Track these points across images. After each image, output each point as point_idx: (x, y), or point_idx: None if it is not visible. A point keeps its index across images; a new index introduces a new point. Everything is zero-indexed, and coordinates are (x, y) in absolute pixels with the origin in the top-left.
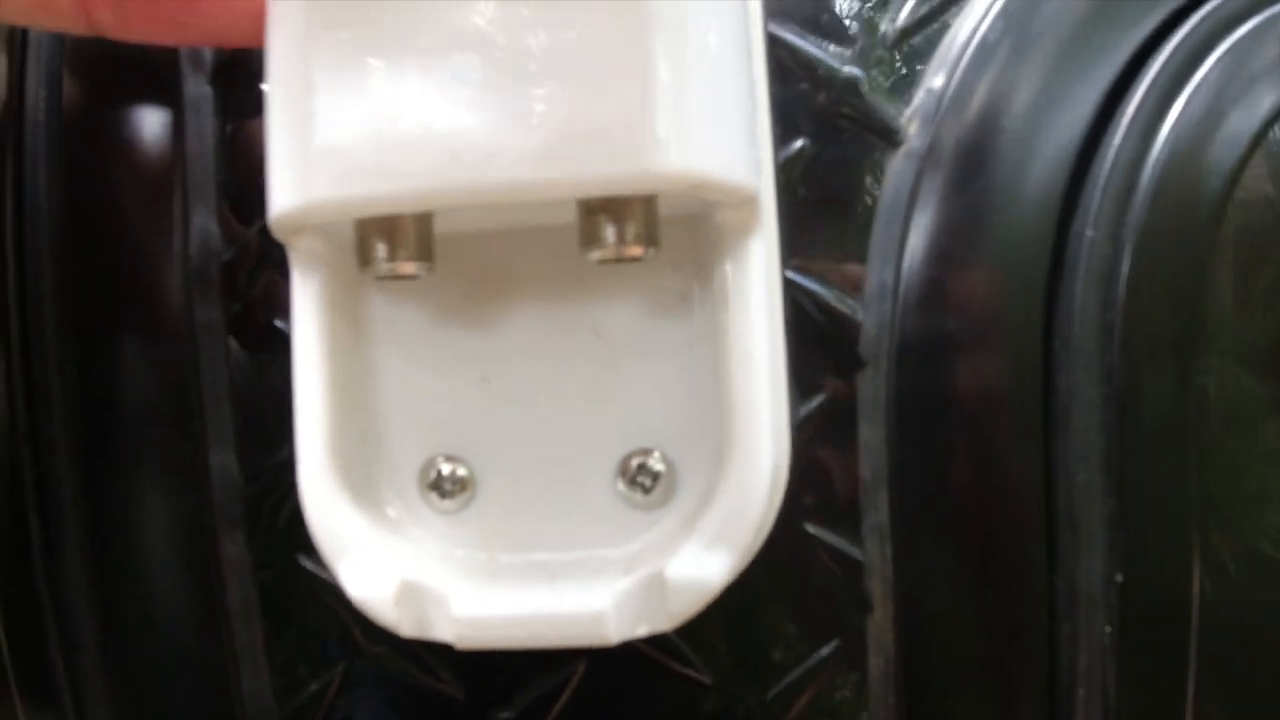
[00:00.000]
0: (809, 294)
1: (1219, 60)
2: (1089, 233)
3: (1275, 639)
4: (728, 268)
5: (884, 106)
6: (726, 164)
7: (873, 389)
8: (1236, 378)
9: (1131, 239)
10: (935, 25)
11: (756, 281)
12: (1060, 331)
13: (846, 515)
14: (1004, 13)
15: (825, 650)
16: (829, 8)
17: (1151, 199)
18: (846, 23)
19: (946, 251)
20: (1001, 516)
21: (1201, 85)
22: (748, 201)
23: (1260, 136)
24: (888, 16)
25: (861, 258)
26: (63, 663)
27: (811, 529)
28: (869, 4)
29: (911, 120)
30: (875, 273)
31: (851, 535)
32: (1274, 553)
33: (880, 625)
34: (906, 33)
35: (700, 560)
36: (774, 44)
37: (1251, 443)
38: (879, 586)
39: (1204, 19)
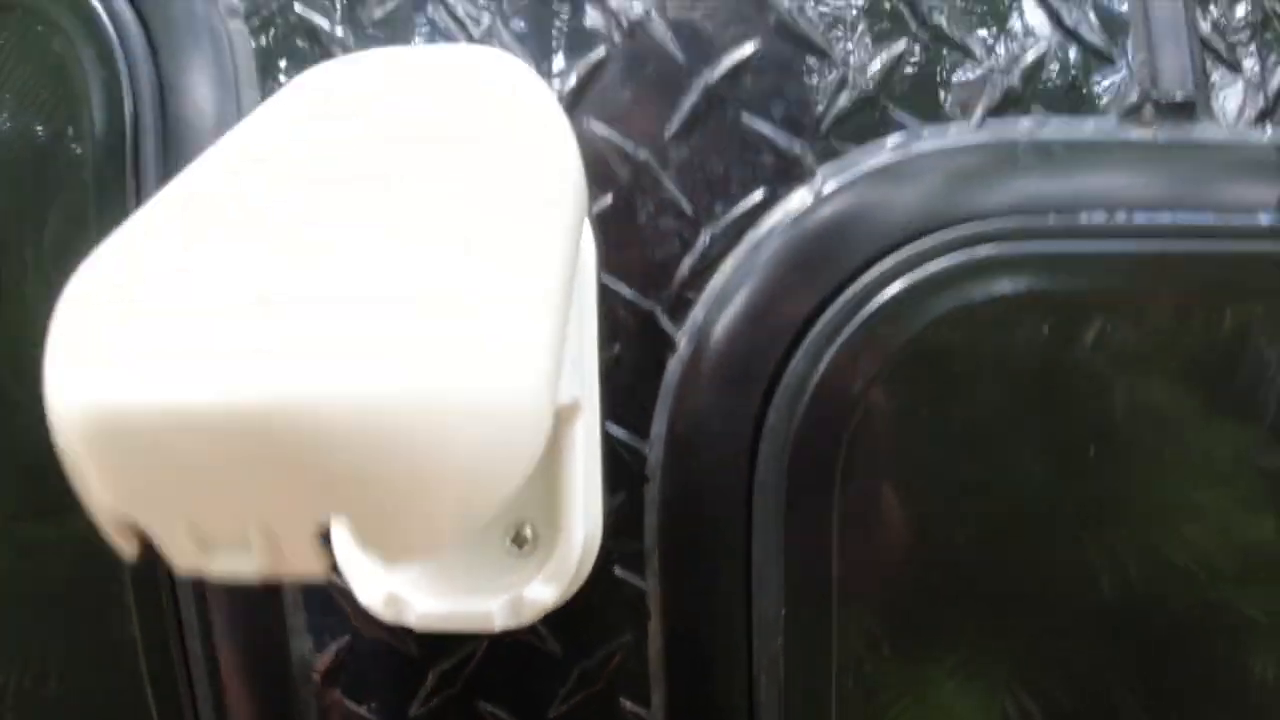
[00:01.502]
0: (617, 439)
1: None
2: (771, 417)
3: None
4: (562, 439)
5: (669, 327)
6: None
7: (652, 493)
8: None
9: (799, 418)
10: (709, 271)
11: (581, 441)
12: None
13: (636, 562)
14: (737, 269)
15: (625, 637)
16: (649, 259)
17: (813, 393)
18: (651, 274)
19: (691, 419)
20: (716, 574)
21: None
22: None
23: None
24: (681, 268)
25: (649, 419)
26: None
27: (618, 571)
28: (672, 252)
29: (681, 338)
30: (656, 426)
31: (639, 575)
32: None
33: (655, 627)
34: (685, 283)
35: (541, 590)
36: (609, 294)
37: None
38: (654, 604)
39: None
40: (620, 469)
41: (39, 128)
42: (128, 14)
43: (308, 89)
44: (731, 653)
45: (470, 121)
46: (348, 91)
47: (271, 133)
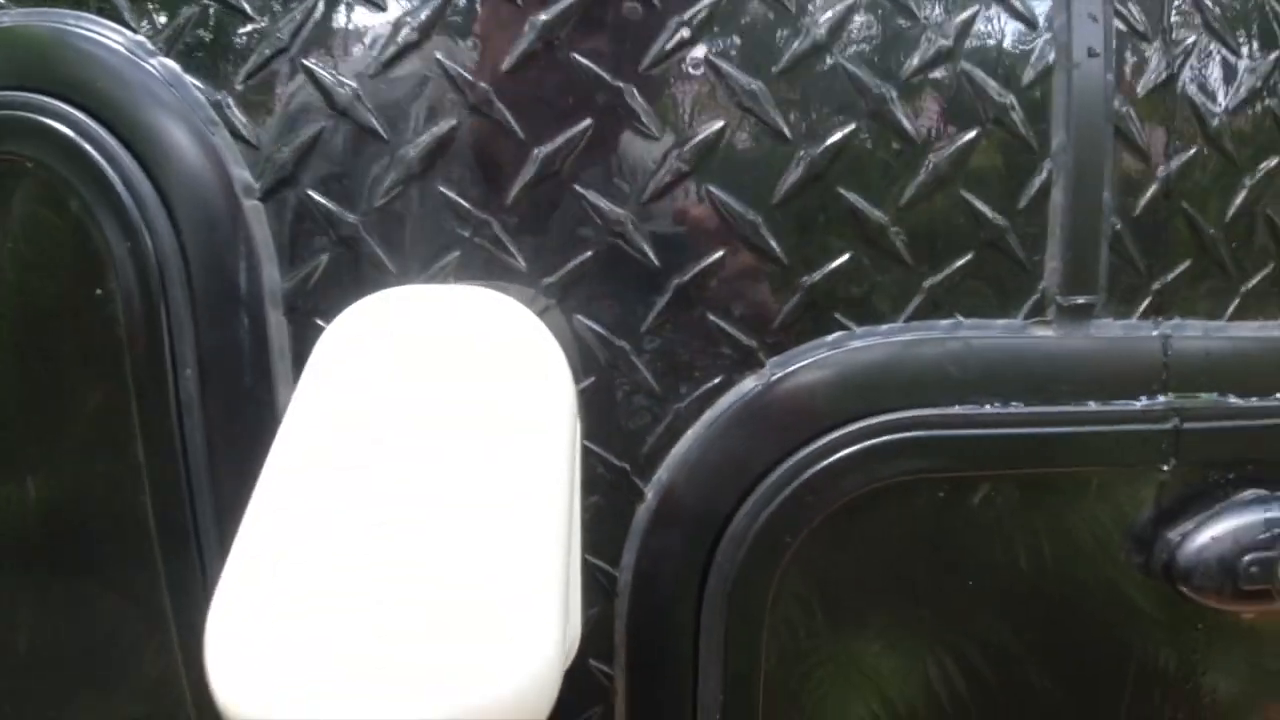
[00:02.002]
0: (595, 565)
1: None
2: (718, 557)
3: None
4: None
5: (639, 483)
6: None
7: (620, 607)
8: None
9: (740, 560)
10: (673, 440)
11: (571, 569)
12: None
13: (606, 656)
14: (696, 439)
15: (597, 708)
16: (624, 429)
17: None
18: (625, 440)
19: (653, 555)
20: (669, 669)
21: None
22: None
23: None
24: (650, 437)
25: (620, 552)
26: None
27: (591, 661)
28: (643, 424)
29: (649, 491)
30: (626, 558)
31: (609, 665)
32: None
33: (620, 704)
34: (653, 449)
35: None
36: (591, 454)
37: None
38: (620, 687)
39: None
40: (596, 588)
41: (66, 283)
42: (148, 189)
43: (351, 355)
44: (679, 709)
45: (483, 378)
46: (386, 359)
47: (335, 419)
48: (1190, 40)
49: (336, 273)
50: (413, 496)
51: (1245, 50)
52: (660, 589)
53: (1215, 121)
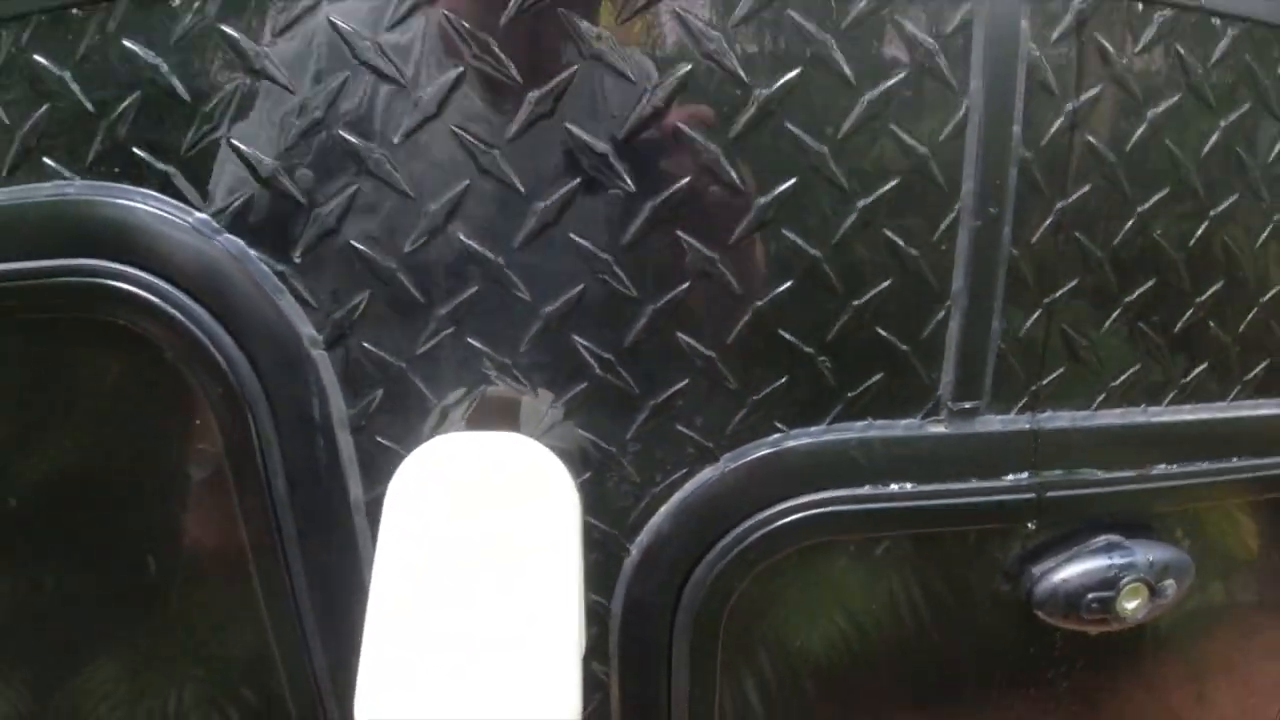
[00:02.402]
0: (594, 600)
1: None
2: (685, 597)
3: None
4: None
5: (626, 544)
6: None
7: (613, 629)
8: None
9: (700, 600)
10: (650, 513)
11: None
12: (677, 613)
13: (604, 660)
14: (668, 512)
15: (596, 698)
16: (613, 507)
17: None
18: (615, 515)
19: (636, 594)
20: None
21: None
22: None
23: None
24: (634, 512)
25: (613, 592)
26: None
27: (594, 665)
28: (627, 504)
29: (633, 549)
30: (616, 595)
31: (606, 667)
32: None
33: (614, 695)
34: (635, 521)
35: None
36: (590, 526)
37: None
38: (614, 684)
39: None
40: (595, 615)
41: (170, 418)
42: (230, 344)
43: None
44: (657, 711)
45: (512, 499)
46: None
47: (416, 545)
48: None
49: (389, 402)
50: (470, 576)
51: None
52: (642, 617)
53: (1097, 255)
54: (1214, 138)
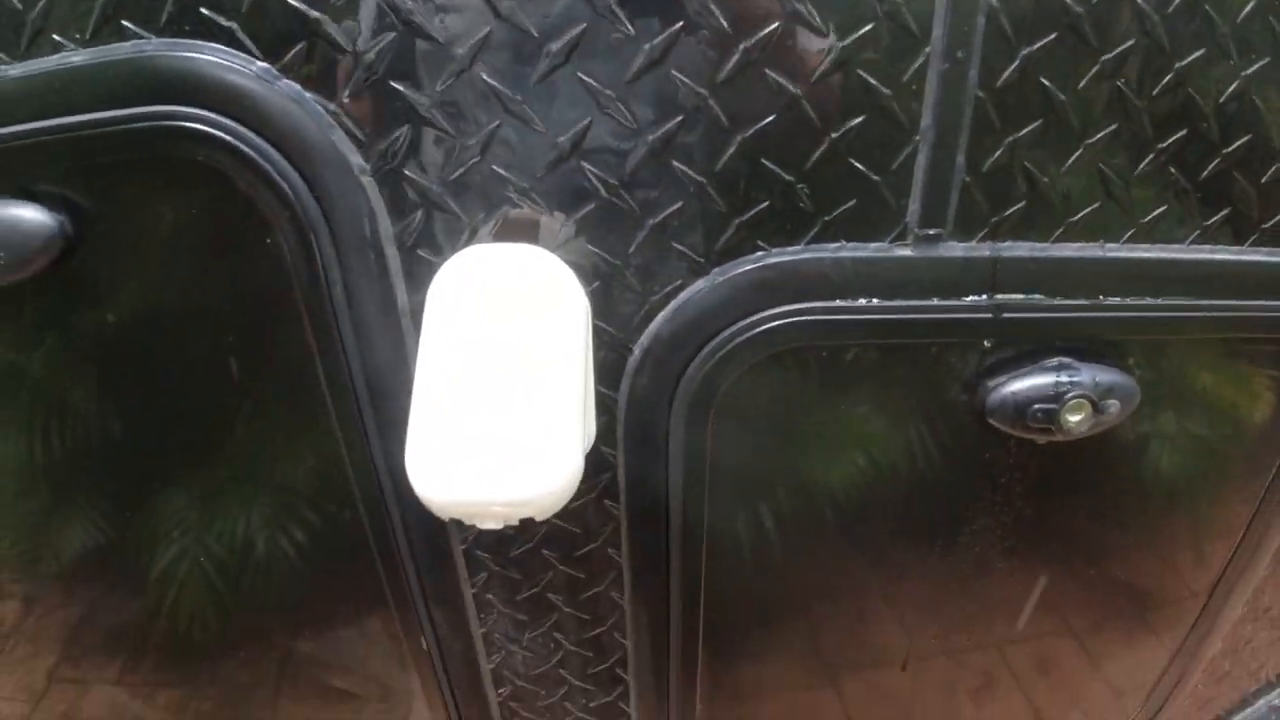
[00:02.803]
0: (603, 392)
1: None
2: (680, 388)
3: None
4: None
5: (629, 345)
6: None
7: (619, 415)
8: None
9: (692, 393)
10: (650, 318)
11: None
12: (674, 401)
13: (611, 443)
14: (665, 319)
15: (605, 476)
16: (619, 313)
17: (699, 381)
18: (620, 320)
19: (639, 386)
20: (654, 454)
21: None
22: None
23: None
24: (636, 317)
25: (619, 383)
26: None
27: (602, 448)
28: (630, 310)
29: (636, 350)
30: (623, 387)
31: (614, 450)
32: None
33: (620, 475)
34: (638, 323)
35: None
36: (600, 331)
37: None
38: (620, 463)
39: None
40: (604, 404)
41: (244, 236)
42: (294, 174)
43: (451, 301)
44: (655, 487)
45: (531, 305)
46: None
47: (451, 346)
48: None
49: (428, 222)
50: (496, 370)
51: None
52: (642, 408)
53: (1061, 98)
54: None
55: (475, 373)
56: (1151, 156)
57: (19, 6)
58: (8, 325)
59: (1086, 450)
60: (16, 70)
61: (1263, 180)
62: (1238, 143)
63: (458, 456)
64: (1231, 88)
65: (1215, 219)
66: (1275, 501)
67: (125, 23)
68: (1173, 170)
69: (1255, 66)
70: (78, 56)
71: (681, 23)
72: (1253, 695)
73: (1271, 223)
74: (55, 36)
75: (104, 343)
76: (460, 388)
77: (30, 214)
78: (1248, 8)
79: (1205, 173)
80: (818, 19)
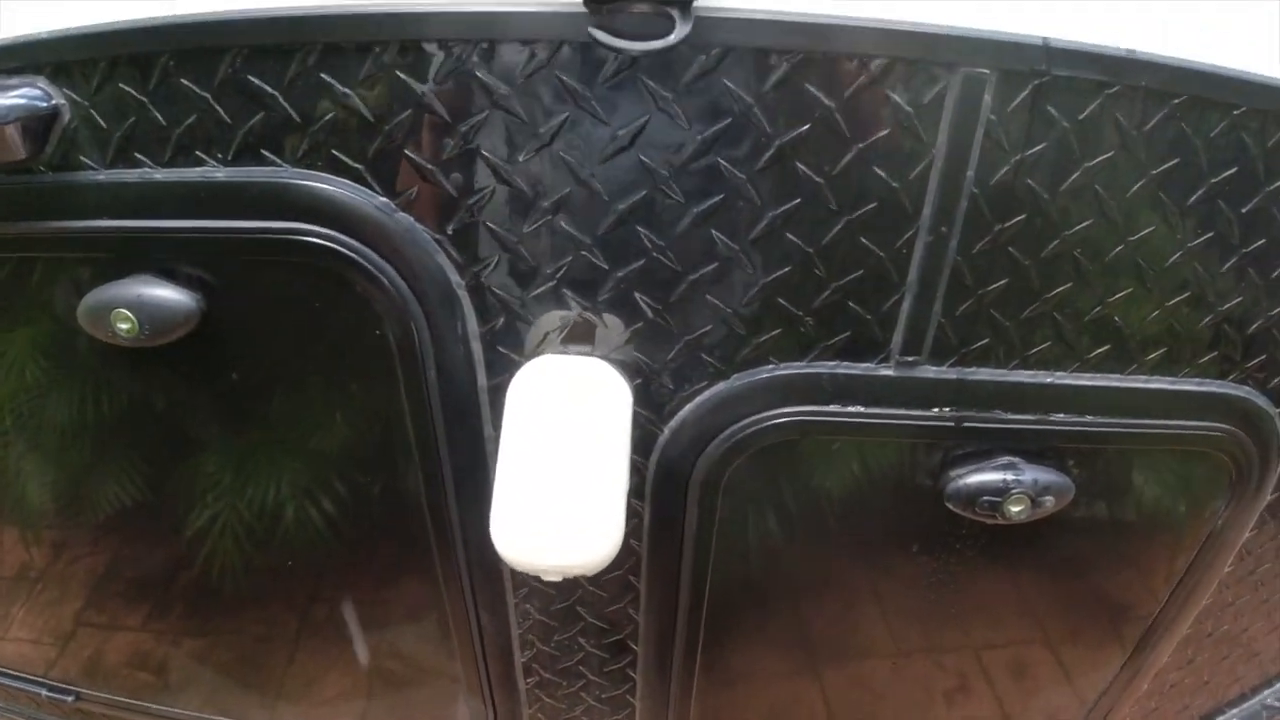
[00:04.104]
0: (635, 461)
1: None
2: (699, 467)
3: None
4: None
5: (659, 427)
6: None
7: (648, 485)
8: None
9: (706, 471)
10: (678, 409)
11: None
12: (692, 476)
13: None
14: (690, 410)
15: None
16: (651, 402)
17: (713, 463)
18: (651, 408)
19: (666, 461)
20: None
21: None
22: None
23: None
24: (666, 409)
25: (649, 455)
26: None
27: (633, 500)
28: (660, 402)
29: (665, 430)
30: (652, 459)
31: (641, 502)
32: None
33: (645, 527)
34: (666, 413)
35: None
36: (638, 415)
37: None
38: (647, 520)
39: None
40: (637, 469)
41: (358, 333)
42: (404, 287)
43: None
44: (674, 535)
45: (589, 400)
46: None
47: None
48: None
49: (507, 325)
50: (561, 452)
51: None
52: (668, 475)
53: (1025, 264)
54: (1136, 187)
55: (546, 456)
56: (1099, 309)
57: (163, 123)
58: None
59: (1029, 528)
60: (160, 175)
61: (1198, 326)
62: (1177, 298)
63: (532, 530)
64: (1173, 258)
65: (1153, 356)
66: (1198, 572)
67: (264, 151)
68: (1116, 319)
69: (1198, 240)
70: (220, 174)
71: (723, 195)
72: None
73: (1204, 359)
74: (198, 153)
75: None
76: (533, 469)
77: (172, 294)
78: (1199, 193)
79: (1146, 320)
80: (831, 199)
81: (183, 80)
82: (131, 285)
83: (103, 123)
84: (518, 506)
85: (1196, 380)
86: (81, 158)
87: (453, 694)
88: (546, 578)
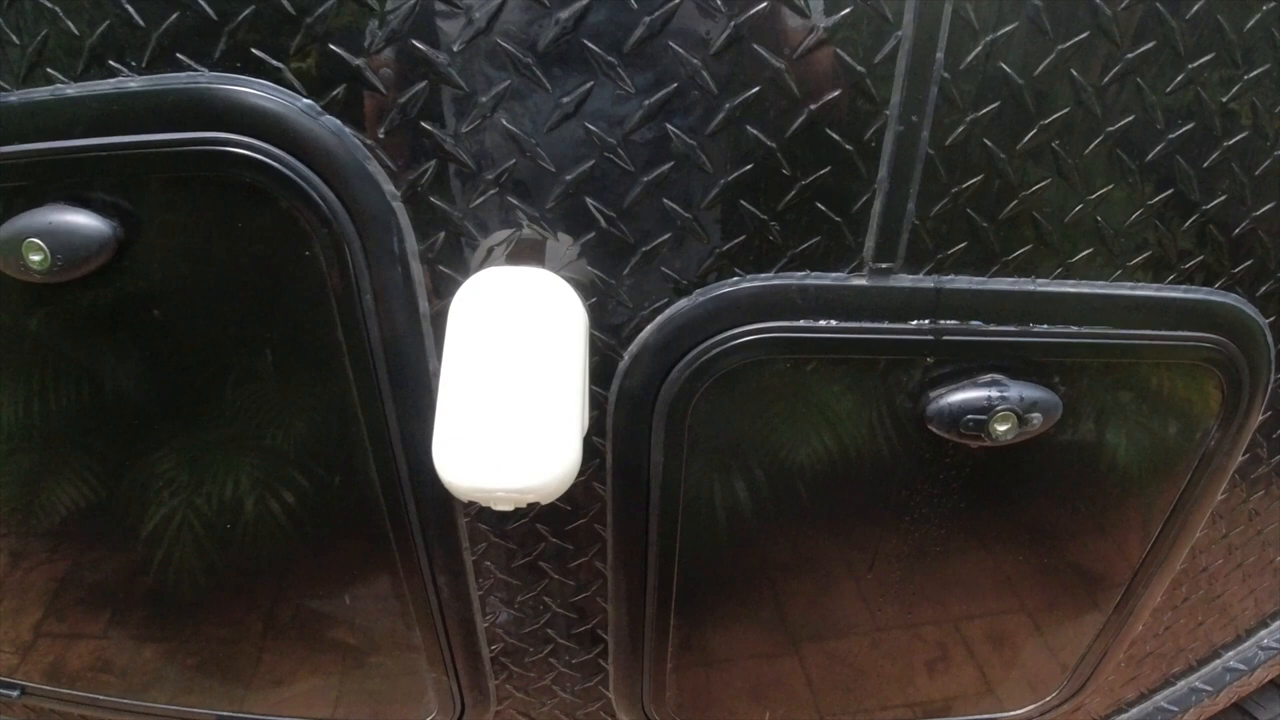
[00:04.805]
0: (595, 390)
1: None
2: (662, 392)
3: None
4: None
5: (620, 351)
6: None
7: (608, 409)
8: None
9: (673, 394)
10: (639, 330)
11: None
12: (657, 401)
13: (600, 433)
14: (653, 330)
15: (595, 461)
16: (612, 323)
17: (680, 386)
18: (613, 331)
19: (628, 387)
20: (637, 441)
21: None
22: None
23: None
24: (626, 328)
25: (610, 382)
26: None
27: (594, 439)
28: (621, 321)
29: (626, 355)
30: (613, 386)
31: (603, 439)
32: None
33: (609, 460)
34: (628, 334)
35: None
36: (595, 339)
37: None
38: (609, 450)
39: None
40: (596, 402)
41: (286, 248)
42: (334, 198)
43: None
44: (638, 474)
45: (539, 318)
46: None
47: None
48: None
49: (449, 241)
50: (509, 375)
51: None
52: (629, 405)
53: (1002, 157)
54: (1116, 68)
55: (491, 377)
56: (1080, 207)
57: (75, 33)
58: (60, 314)
59: (1015, 454)
60: (73, 90)
61: (1182, 228)
62: (1159, 196)
63: (478, 451)
64: (1156, 150)
65: (1137, 260)
66: (1190, 501)
67: (179, 55)
68: (1099, 219)
69: (1179, 131)
70: (134, 83)
71: (676, 84)
72: (1174, 676)
73: (1189, 264)
74: (111, 63)
75: (146, 332)
76: (479, 390)
77: (86, 220)
78: (1177, 79)
79: (1129, 221)
80: (793, 87)
81: None
82: (44, 213)
83: (15, 38)
84: (462, 425)
85: (1183, 288)
86: None
87: (413, 665)
88: (498, 506)
